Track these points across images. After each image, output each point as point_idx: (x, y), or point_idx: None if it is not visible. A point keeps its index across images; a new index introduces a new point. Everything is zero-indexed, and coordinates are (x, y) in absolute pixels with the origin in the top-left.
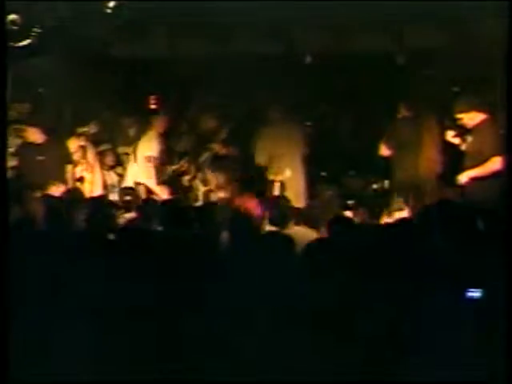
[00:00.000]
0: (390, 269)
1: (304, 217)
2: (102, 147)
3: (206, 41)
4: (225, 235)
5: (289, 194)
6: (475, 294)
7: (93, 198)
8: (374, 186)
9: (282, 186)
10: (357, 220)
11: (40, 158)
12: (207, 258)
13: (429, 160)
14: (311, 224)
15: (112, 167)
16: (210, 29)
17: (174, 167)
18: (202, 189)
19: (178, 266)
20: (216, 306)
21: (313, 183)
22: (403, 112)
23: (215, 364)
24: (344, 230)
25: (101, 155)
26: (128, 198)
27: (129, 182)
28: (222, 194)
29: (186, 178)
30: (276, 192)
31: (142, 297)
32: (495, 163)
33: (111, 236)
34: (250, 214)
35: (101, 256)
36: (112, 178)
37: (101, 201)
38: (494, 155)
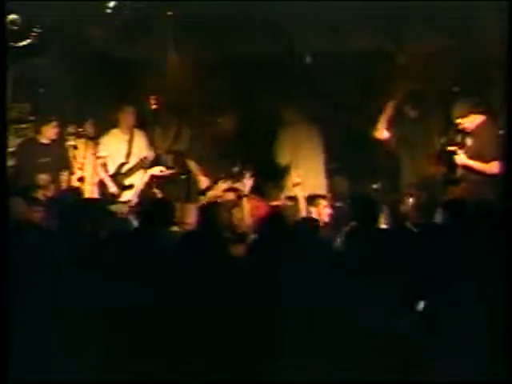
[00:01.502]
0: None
1: None
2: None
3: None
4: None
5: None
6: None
7: (92, 198)
8: (374, 186)
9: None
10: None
11: (39, 157)
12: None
13: (429, 160)
14: None
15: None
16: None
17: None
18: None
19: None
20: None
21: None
22: (404, 113)
23: None
24: None
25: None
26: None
27: (129, 182)
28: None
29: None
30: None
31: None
32: (494, 166)
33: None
34: None
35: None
36: (111, 178)
37: (100, 201)
38: (493, 157)
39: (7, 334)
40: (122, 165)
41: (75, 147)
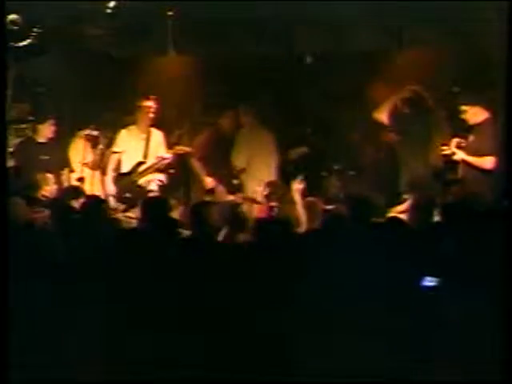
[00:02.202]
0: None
1: None
2: (103, 147)
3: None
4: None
5: None
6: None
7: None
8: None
9: None
10: None
11: (40, 157)
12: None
13: (431, 155)
14: None
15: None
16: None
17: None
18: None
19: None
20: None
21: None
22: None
23: None
24: None
25: (102, 155)
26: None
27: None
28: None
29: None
30: None
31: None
32: (490, 161)
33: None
34: None
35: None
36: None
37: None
38: (490, 153)
39: (7, 334)
40: (140, 164)
41: (81, 148)
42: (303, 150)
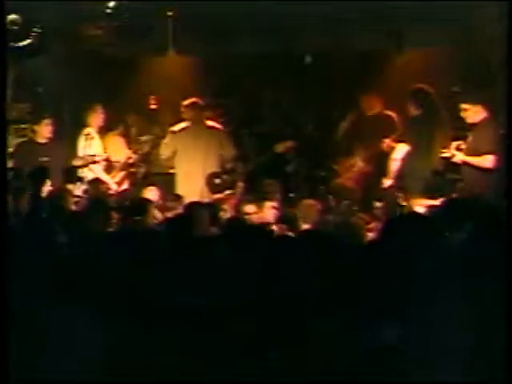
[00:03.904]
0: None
1: None
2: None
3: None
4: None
5: None
6: None
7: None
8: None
9: None
10: None
11: (41, 157)
12: None
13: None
14: None
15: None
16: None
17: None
18: None
19: None
20: None
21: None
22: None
23: None
24: None
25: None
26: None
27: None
28: None
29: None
30: None
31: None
32: (489, 160)
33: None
34: None
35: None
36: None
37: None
38: (489, 151)
39: (8, 334)
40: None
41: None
42: (290, 144)
